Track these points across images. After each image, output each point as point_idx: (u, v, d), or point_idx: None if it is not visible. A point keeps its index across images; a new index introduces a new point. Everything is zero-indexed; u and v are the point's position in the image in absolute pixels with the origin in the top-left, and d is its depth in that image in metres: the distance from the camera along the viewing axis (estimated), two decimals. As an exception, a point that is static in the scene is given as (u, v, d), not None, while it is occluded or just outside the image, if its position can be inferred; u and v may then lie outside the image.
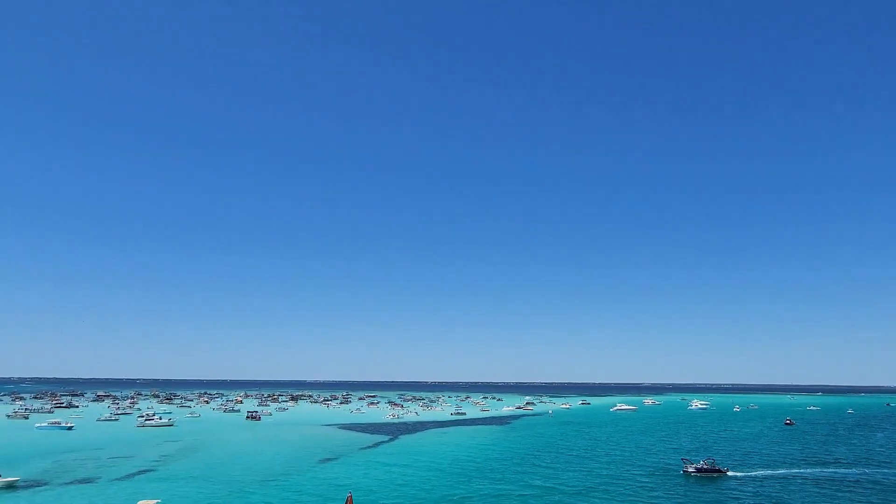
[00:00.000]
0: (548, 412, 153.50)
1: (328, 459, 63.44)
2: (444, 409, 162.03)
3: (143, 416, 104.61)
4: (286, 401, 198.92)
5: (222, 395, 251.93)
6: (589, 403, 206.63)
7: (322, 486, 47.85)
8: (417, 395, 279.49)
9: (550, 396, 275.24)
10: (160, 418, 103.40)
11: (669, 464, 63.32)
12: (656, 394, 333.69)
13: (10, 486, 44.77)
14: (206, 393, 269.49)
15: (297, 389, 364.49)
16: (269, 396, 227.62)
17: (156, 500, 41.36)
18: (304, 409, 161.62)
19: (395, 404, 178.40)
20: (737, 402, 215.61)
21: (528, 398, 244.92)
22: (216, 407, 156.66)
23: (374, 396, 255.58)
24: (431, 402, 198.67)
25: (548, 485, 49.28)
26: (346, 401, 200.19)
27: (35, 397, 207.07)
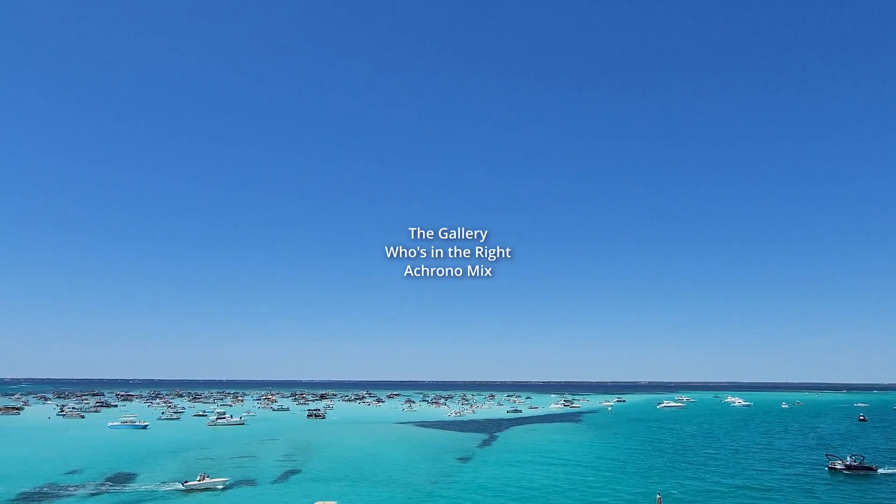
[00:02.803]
0: (607, 409, 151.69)
1: (465, 458, 60.42)
2: (489, 406, 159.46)
3: (214, 415, 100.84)
4: (315, 399, 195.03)
5: (244, 394, 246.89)
6: (625, 401, 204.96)
7: (493, 485, 45.22)
8: (438, 393, 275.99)
9: (573, 395, 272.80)
10: (231, 417, 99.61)
11: (810, 460, 61.10)
12: (655, 392, 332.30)
13: (223, 486, 41.54)
14: (224, 392, 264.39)
15: (299, 388, 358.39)
16: (298, 395, 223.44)
17: (333, 502, 38.52)
18: (349, 407, 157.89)
19: (437, 402, 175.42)
20: (782, 400, 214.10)
21: (554, 396, 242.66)
22: (261, 405, 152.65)
23: (398, 395, 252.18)
24: (466, 400, 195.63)
25: (739, 483, 46.76)
26: (379, 400, 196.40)
27: (58, 396, 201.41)
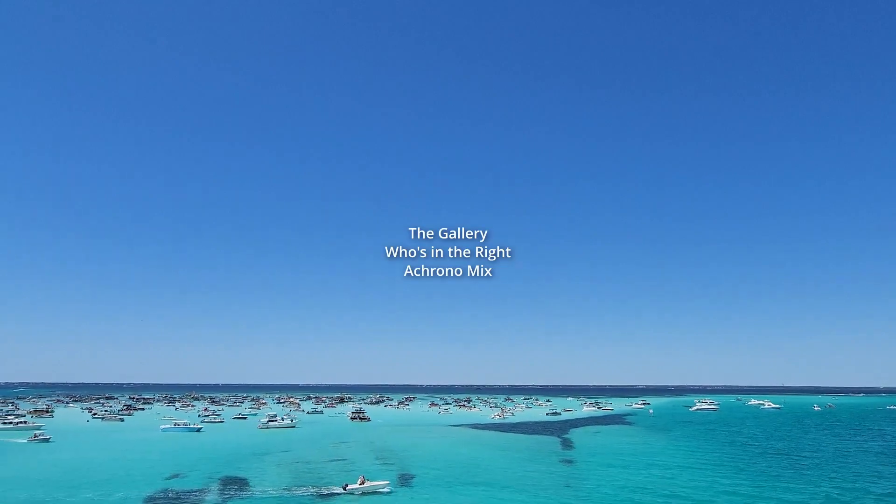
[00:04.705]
0: (647, 411, 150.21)
1: (567, 461, 58.11)
2: (522, 409, 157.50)
3: (266, 417, 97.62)
4: (336, 402, 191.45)
5: (260, 397, 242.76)
6: (649, 403, 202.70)
7: (628, 489, 43.03)
8: (457, 396, 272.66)
9: (589, 398, 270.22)
10: (282, 419, 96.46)
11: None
12: (652, 394, 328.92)
13: (376, 492, 39.00)
14: (240, 395, 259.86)
15: (298, 392, 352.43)
16: (318, 399, 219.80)
17: None
18: (378, 410, 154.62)
19: (463, 405, 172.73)
20: (814, 402, 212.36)
21: (571, 399, 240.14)
22: (291, 409, 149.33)
23: (414, 398, 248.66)
24: (494, 405, 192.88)
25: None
26: (403, 402, 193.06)
27: (74, 400, 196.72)
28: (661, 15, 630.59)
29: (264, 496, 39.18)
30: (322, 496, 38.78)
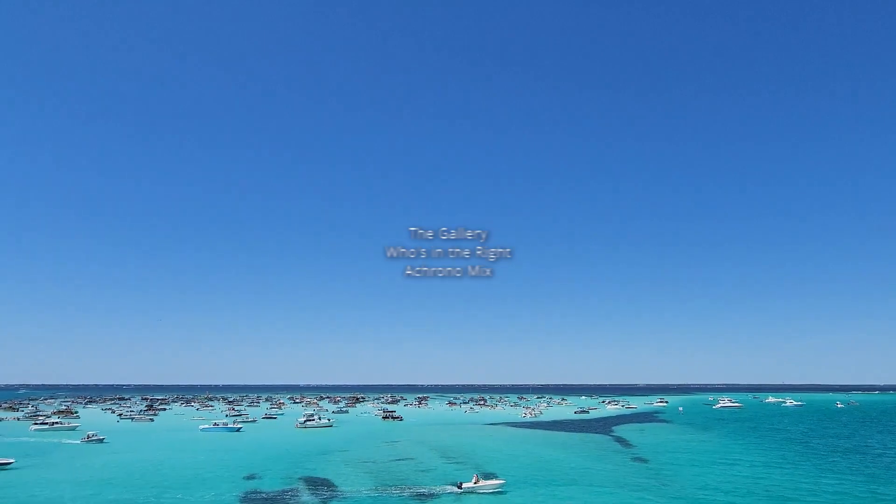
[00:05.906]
0: (678, 409, 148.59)
1: (638, 459, 56.45)
2: (546, 407, 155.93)
3: (303, 417, 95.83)
4: (352, 401, 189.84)
5: (271, 397, 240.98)
6: (667, 402, 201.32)
7: (729, 487, 41.29)
8: (472, 396, 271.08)
9: (602, 396, 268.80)
10: (319, 419, 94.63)
11: None
12: (655, 393, 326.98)
13: (498, 492, 37.42)
14: (258, 395, 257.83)
15: (300, 392, 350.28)
16: (335, 399, 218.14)
17: None
18: (402, 410, 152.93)
19: (481, 404, 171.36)
20: (827, 400, 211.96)
21: (584, 398, 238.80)
22: (314, 409, 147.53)
23: (428, 397, 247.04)
24: (501, 401, 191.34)
25: None
26: (420, 402, 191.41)
27: (90, 401, 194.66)
28: (661, 15, 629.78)
29: (358, 496, 37.39)
30: (425, 496, 37.02)
